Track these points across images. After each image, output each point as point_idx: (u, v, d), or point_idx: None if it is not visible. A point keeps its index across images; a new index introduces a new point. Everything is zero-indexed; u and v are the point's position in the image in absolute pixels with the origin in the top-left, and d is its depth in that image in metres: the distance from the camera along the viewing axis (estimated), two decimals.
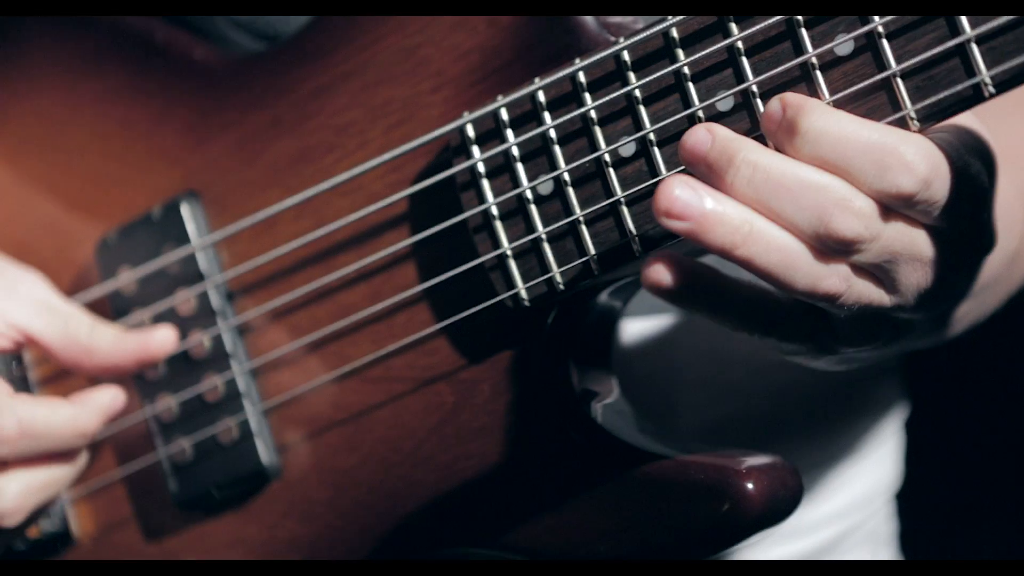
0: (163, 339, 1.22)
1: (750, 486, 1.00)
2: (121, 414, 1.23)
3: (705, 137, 0.95)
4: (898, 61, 0.93)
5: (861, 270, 0.97)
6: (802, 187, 0.93)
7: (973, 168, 0.97)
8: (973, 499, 1.95)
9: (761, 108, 0.97)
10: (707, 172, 0.95)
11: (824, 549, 1.41)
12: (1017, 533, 1.93)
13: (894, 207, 0.95)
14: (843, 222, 0.93)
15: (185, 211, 1.22)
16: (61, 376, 1.27)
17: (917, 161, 0.93)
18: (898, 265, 0.97)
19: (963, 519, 1.95)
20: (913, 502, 1.54)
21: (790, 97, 0.95)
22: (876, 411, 1.44)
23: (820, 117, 0.94)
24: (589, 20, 1.07)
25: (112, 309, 1.25)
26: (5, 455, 1.19)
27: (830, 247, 0.94)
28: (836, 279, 0.95)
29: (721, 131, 0.95)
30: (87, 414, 1.20)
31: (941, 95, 0.92)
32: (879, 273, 0.97)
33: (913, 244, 0.96)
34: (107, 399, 1.22)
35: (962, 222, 0.97)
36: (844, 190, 0.94)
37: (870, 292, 0.98)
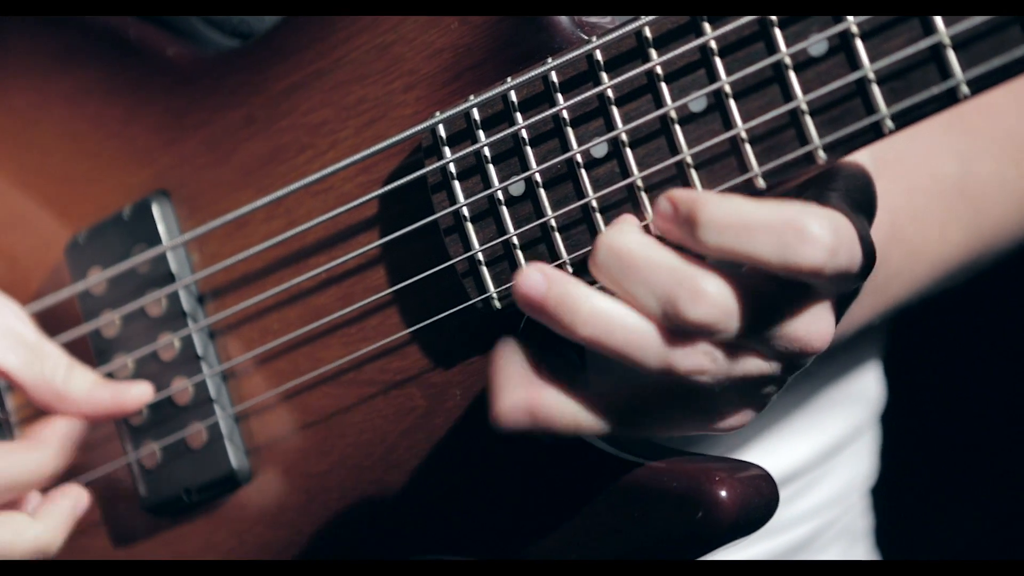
0: (138, 395, 1.19)
1: (724, 494, 0.99)
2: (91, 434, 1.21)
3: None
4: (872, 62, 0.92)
5: (730, 347, 0.95)
6: (651, 268, 0.92)
7: (866, 228, 0.96)
8: (949, 494, 1.95)
9: (735, 110, 0.96)
10: None
11: (799, 546, 1.40)
12: (995, 527, 1.94)
13: (807, 282, 0.93)
14: (694, 308, 0.92)
15: (156, 211, 1.20)
16: (41, 415, 1.22)
17: (822, 233, 0.91)
18: (771, 340, 0.95)
19: (938, 513, 1.95)
20: (889, 497, 1.54)
21: (678, 193, 0.94)
22: (853, 406, 1.44)
23: (718, 206, 0.92)
24: (563, 19, 1.05)
25: (82, 310, 1.23)
26: None
27: (684, 331, 0.93)
28: (698, 357, 0.94)
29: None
30: (54, 455, 1.17)
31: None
32: (755, 346, 0.95)
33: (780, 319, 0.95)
34: (69, 430, 1.18)
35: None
36: (693, 274, 0.92)
37: (745, 366, 0.96)
